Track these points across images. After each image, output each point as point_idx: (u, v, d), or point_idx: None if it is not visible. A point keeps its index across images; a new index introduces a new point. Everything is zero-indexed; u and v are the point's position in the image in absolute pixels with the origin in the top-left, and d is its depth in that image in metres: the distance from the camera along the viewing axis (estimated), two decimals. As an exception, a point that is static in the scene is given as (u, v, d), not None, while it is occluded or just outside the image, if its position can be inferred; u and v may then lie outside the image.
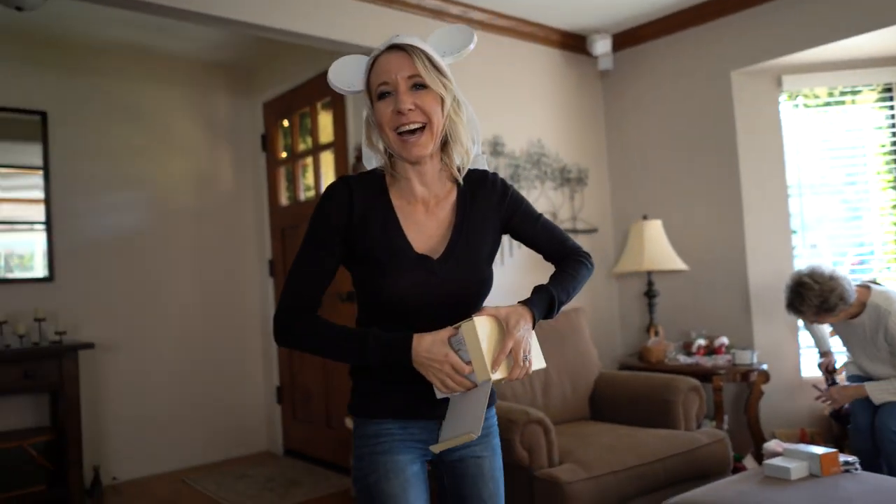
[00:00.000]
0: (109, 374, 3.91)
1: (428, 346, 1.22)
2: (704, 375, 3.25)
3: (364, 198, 1.31)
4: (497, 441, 1.44)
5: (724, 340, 3.40)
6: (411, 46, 1.28)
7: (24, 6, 2.84)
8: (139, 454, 3.96)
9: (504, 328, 1.25)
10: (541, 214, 1.50)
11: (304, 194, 4.13)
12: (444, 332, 1.23)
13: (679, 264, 3.59)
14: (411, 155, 1.28)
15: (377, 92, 1.29)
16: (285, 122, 4.27)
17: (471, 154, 1.38)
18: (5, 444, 3.31)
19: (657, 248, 3.58)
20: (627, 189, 4.07)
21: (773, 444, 2.44)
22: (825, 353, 3.15)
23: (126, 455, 3.92)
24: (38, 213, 3.75)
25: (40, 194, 3.76)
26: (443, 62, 1.32)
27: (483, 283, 1.36)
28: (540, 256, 1.56)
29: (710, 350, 3.42)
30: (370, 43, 3.25)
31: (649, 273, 3.70)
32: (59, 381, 3.42)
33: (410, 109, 1.25)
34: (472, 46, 1.36)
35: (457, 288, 1.31)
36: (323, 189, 3.86)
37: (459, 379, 1.22)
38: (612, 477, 2.47)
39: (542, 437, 2.51)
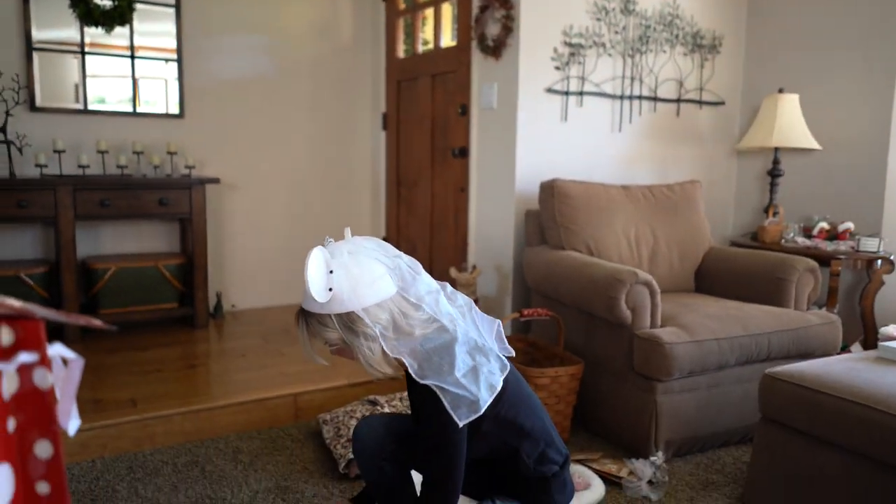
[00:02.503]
0: (231, 209, 4.18)
1: None
2: (822, 260, 3.13)
3: None
4: None
5: (850, 225, 3.22)
6: (299, 322, 1.47)
7: None
8: (254, 287, 4.29)
9: None
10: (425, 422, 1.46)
11: (423, 47, 4.08)
12: None
13: (812, 143, 3.37)
14: None
15: None
16: (407, -29, 4.16)
17: (377, 346, 1.44)
18: (144, 263, 3.66)
19: (790, 124, 3.36)
20: (763, 60, 3.78)
21: (890, 329, 2.37)
22: None
23: (243, 286, 4.26)
24: (171, 52, 3.90)
25: (173, 37, 3.88)
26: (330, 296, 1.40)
27: None
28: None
29: (832, 235, 3.26)
30: None
31: (776, 151, 3.50)
32: (188, 210, 3.69)
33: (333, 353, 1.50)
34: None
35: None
36: (442, 44, 3.82)
37: None
38: (714, 343, 2.47)
39: (648, 299, 2.52)
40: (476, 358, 1.43)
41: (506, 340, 1.59)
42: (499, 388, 1.42)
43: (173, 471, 2.35)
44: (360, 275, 1.40)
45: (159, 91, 3.93)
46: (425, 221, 4.05)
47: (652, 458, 2.35)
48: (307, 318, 1.45)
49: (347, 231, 1.52)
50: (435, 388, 1.38)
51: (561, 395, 2.56)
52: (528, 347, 2.89)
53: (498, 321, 1.58)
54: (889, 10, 3.23)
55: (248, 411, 2.72)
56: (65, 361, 0.68)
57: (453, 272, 3.31)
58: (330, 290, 1.38)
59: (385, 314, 1.42)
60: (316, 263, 1.38)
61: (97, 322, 0.71)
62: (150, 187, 3.59)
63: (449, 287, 1.56)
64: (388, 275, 1.44)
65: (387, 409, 2.54)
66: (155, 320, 3.81)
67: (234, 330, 3.81)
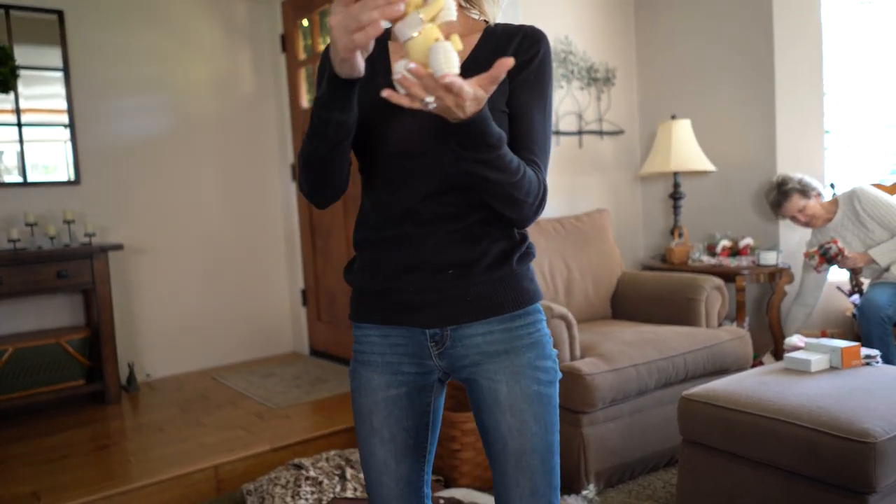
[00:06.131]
0: (139, 275, 4.01)
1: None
2: (728, 276, 3.25)
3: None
4: (533, 359, 1.14)
5: (749, 241, 3.37)
6: None
7: None
8: (170, 353, 4.10)
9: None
10: (544, 106, 1.13)
11: (325, 96, 4.06)
12: None
13: (707, 165, 3.52)
14: None
15: None
16: (305, 21, 4.15)
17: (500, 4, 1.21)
18: (43, 341, 3.44)
19: (685, 148, 3.51)
20: (656, 89, 3.96)
21: (794, 339, 2.45)
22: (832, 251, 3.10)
23: (158, 354, 4.07)
24: (62, 116, 3.75)
25: (63, 100, 3.73)
26: None
27: None
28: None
29: (734, 251, 3.40)
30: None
31: (675, 174, 3.64)
32: (91, 280, 3.51)
33: None
34: None
35: (442, 125, 0.99)
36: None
37: None
38: (632, 370, 2.51)
39: (565, 332, 2.54)
40: None
41: None
42: None
43: (84, 567, 2.18)
44: None
45: (51, 157, 3.75)
46: (342, 270, 3.98)
47: (584, 493, 2.35)
48: None
49: None
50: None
51: (489, 438, 2.53)
52: (454, 391, 2.86)
53: None
54: (761, 39, 3.43)
55: (166, 490, 2.57)
56: None
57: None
58: None
59: None
60: None
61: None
62: (47, 260, 3.40)
63: None
64: None
65: (312, 473, 2.44)
66: (61, 401, 3.58)
67: (150, 402, 3.62)
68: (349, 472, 2.46)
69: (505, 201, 1.04)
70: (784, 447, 1.89)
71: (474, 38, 1.16)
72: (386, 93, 0.88)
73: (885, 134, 3.50)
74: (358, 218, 1.22)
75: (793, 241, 3.48)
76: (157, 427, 3.18)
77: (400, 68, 0.87)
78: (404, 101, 0.88)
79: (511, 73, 1.10)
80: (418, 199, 1.10)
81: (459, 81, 0.86)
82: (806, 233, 3.44)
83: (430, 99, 0.88)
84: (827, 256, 3.02)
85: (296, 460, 2.59)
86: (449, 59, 0.85)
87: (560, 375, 1.18)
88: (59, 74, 3.73)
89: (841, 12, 3.51)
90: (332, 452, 2.67)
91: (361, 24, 0.87)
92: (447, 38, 0.87)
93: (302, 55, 4.21)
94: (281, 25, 4.30)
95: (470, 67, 1.08)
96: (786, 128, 3.45)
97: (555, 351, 1.19)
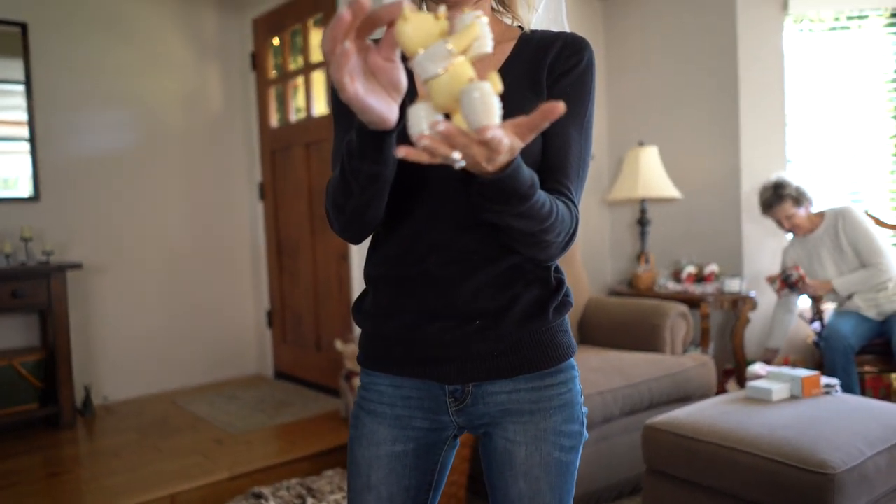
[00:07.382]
0: (99, 295, 3.91)
1: None
2: (693, 302, 3.28)
3: None
4: (559, 423, 1.03)
5: (714, 268, 3.41)
6: None
7: None
8: (129, 375, 3.99)
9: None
10: (582, 123, 1.00)
11: (295, 116, 4.04)
12: None
13: (673, 192, 3.56)
14: None
15: None
16: (276, 40, 4.13)
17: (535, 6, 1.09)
18: (-4, 362, 3.33)
19: (652, 175, 3.54)
20: (624, 115, 4.00)
21: (756, 368, 2.47)
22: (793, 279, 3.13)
23: (117, 376, 3.96)
24: (22, 130, 3.66)
25: (23, 113, 3.65)
26: None
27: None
28: None
29: (700, 277, 3.43)
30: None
31: (643, 201, 3.68)
32: (47, 300, 3.41)
33: None
34: None
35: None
36: (315, 112, 3.80)
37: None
38: (598, 397, 2.50)
39: (530, 358, 2.53)
40: None
41: None
42: None
43: None
44: None
45: (10, 172, 3.65)
46: (309, 291, 3.94)
47: (547, 522, 2.32)
48: None
49: None
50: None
51: (453, 465, 2.50)
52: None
53: None
54: (726, 71, 3.50)
55: (117, 520, 2.48)
56: None
57: (339, 345, 3.22)
58: None
59: None
60: None
61: None
62: (1, 279, 3.29)
63: None
64: None
65: (272, 502, 2.38)
66: (13, 425, 3.45)
67: (106, 426, 3.51)
68: (310, 501, 2.41)
69: (531, 245, 0.91)
70: (745, 477, 1.89)
71: (508, 47, 1.04)
72: (402, 152, 0.69)
73: (845, 164, 3.58)
74: (371, 248, 1.07)
75: (756, 268, 3.52)
76: (113, 453, 3.08)
77: (419, 120, 0.69)
78: (423, 159, 0.70)
79: (548, 83, 0.99)
80: (447, 231, 0.98)
81: (500, 134, 0.67)
82: (772, 257, 3.49)
83: (457, 156, 0.69)
84: (788, 282, 3.07)
85: (255, 489, 2.52)
86: (488, 107, 0.65)
87: (586, 437, 1.07)
88: (21, 87, 3.64)
89: (803, 44, 3.59)
90: (294, 481, 2.61)
91: (331, 47, 0.68)
92: (483, 77, 0.67)
93: (272, 74, 4.18)
94: (252, 43, 4.27)
95: (503, 80, 0.84)
96: (750, 156, 3.50)
97: (585, 410, 1.08)
